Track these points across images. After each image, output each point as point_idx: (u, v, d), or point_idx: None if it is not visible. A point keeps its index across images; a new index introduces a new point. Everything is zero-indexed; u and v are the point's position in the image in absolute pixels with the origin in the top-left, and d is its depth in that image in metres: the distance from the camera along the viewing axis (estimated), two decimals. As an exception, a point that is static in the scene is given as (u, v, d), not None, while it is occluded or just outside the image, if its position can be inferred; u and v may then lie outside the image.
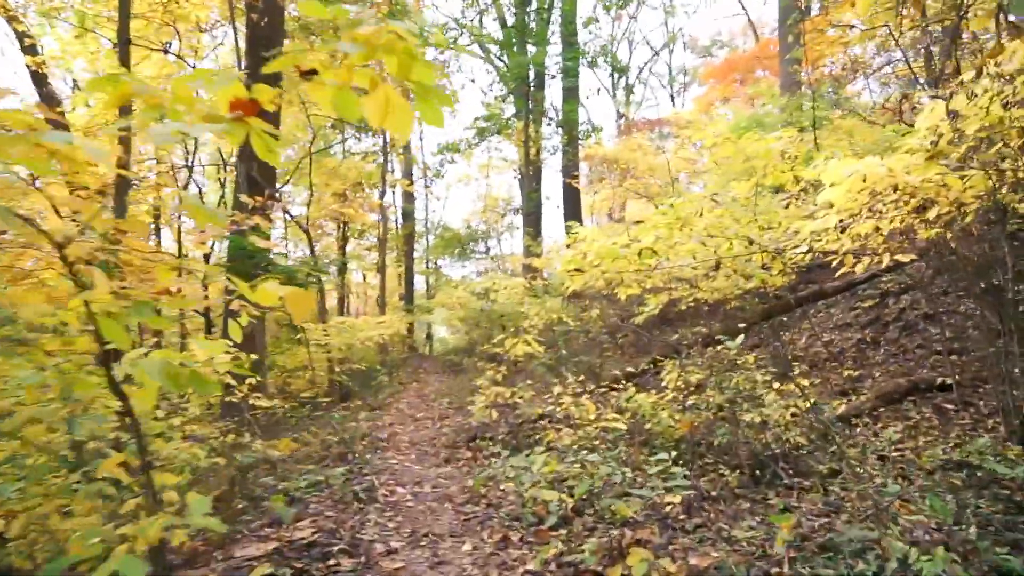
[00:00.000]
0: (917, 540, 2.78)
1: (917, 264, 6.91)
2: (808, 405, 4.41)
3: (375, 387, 13.10)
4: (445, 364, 17.10)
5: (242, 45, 12.34)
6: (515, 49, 20.51)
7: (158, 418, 3.63)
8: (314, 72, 1.28)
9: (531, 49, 20.30)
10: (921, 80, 12.17)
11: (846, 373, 6.59)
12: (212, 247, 14.39)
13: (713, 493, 3.95)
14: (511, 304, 13.82)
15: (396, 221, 24.37)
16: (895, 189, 4.36)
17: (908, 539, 2.80)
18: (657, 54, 33.10)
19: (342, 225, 20.84)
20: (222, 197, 17.89)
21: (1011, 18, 5.22)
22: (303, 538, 3.67)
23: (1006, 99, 3.66)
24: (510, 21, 21.13)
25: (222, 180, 17.96)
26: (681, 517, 3.60)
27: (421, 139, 25.63)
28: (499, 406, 7.03)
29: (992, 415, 4.69)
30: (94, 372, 1.79)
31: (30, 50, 12.46)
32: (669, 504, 3.42)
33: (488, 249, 28.46)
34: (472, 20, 21.56)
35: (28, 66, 12.11)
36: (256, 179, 10.76)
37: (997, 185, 4.09)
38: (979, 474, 3.60)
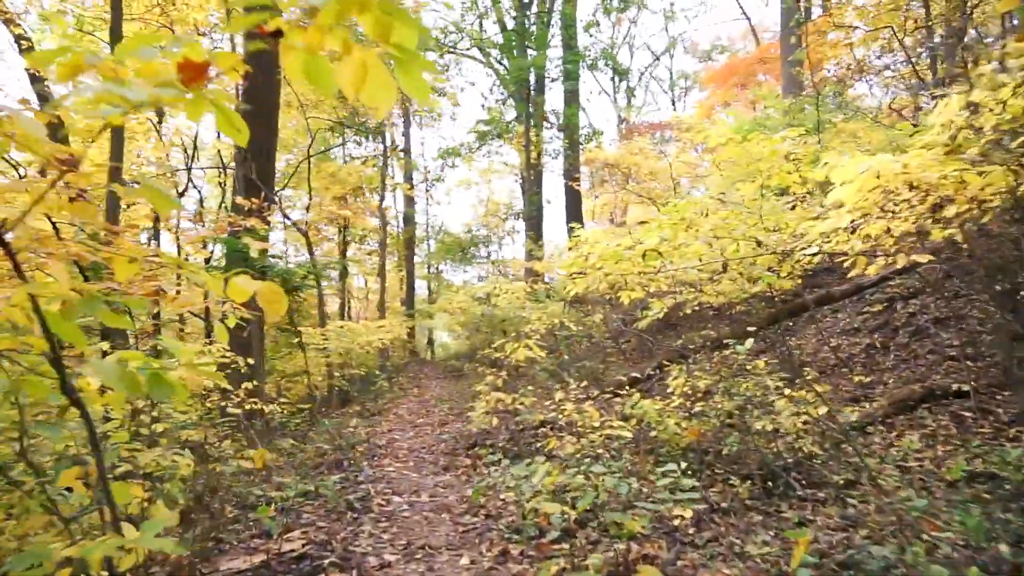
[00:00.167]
0: (946, 558, 2.60)
1: (928, 266, 6.74)
2: (821, 412, 4.23)
3: (375, 392, 12.92)
4: (446, 369, 16.93)
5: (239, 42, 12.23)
6: (515, 53, 20.42)
7: (142, 423, 3.47)
8: (279, 33, 1.11)
9: (531, 53, 20.20)
10: (926, 81, 12.03)
11: (856, 379, 6.40)
12: (212, 251, 14.22)
13: (723, 505, 3.77)
14: (512, 308, 13.67)
15: (397, 226, 24.26)
16: (910, 187, 4.19)
17: (936, 557, 2.62)
18: (658, 58, 33.04)
19: (343, 229, 20.72)
20: (222, 201, 17.76)
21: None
22: (293, 550, 3.49)
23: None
24: (510, 25, 21.03)
25: (222, 184, 17.84)
26: (690, 531, 3.42)
27: (423, 144, 25.58)
28: (499, 412, 6.85)
29: (1013, 423, 4.50)
30: (48, 374, 1.62)
31: (28, 52, 12.35)
32: (678, 517, 3.24)
33: (489, 254, 28.34)
34: (472, 24, 21.47)
35: (26, 69, 11.99)
36: (254, 182, 10.63)
37: (1018, 181, 3.92)
38: (1007, 486, 3.41)
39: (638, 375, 7.05)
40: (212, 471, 3.14)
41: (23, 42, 12.25)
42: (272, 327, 13.51)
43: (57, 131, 12.72)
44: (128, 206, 15.80)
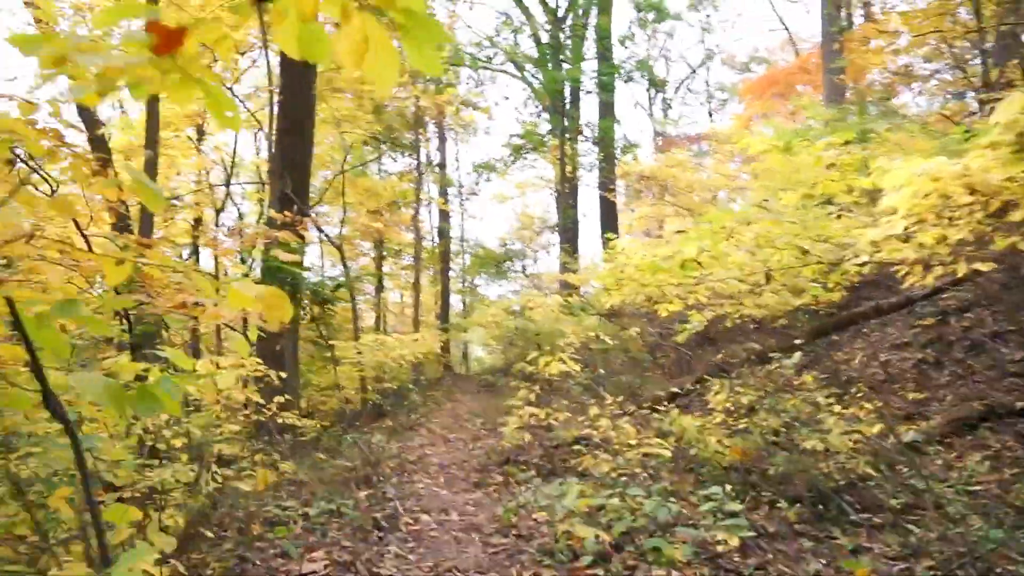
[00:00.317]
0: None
1: (985, 277, 6.38)
2: (874, 430, 3.95)
3: (408, 406, 12.82)
4: (481, 383, 16.79)
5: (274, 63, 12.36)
6: (549, 66, 20.35)
7: (163, 437, 3.37)
8: (269, -3, 0.98)
9: (566, 66, 20.11)
10: (977, 88, 11.56)
11: (910, 396, 6.06)
12: (251, 265, 14.33)
13: (771, 529, 3.52)
14: (547, 322, 13.48)
15: (432, 240, 24.30)
16: (971, 191, 3.93)
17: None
18: (694, 71, 32.66)
19: (379, 244, 20.80)
20: (260, 217, 17.98)
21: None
22: (314, 572, 3.36)
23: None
24: (544, 39, 20.99)
25: (262, 201, 18.07)
26: (735, 557, 3.19)
27: (457, 158, 25.65)
28: (533, 428, 6.67)
29: (1086, 444, 4.17)
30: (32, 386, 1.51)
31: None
32: (722, 543, 3.01)
33: (524, 267, 28.19)
34: (506, 39, 21.49)
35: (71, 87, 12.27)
36: (289, 196, 10.68)
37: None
38: (1089, 515, 3.11)
39: (677, 390, 6.80)
40: (218, 491, 3.01)
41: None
42: (305, 341, 13.54)
43: (102, 149, 13.02)
44: (166, 222, 16.09)
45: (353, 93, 15.59)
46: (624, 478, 4.51)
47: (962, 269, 4.26)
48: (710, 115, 32.79)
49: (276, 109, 12.39)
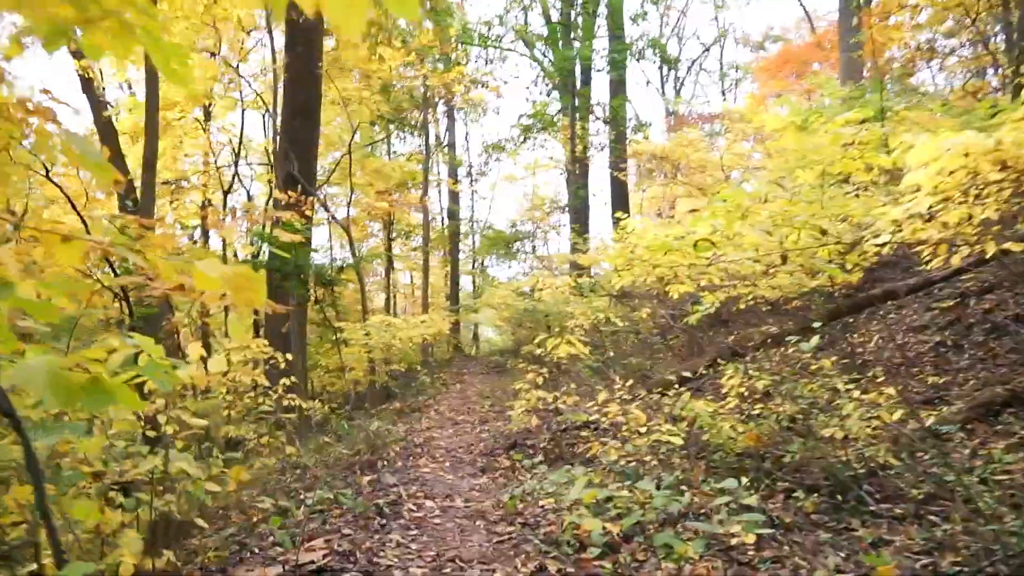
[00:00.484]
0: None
1: (1009, 259, 6.15)
2: (895, 416, 3.79)
3: (416, 388, 12.75)
4: (490, 365, 16.69)
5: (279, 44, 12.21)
6: (560, 44, 20.00)
7: (155, 429, 3.27)
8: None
9: (576, 45, 19.75)
10: (1002, 64, 11.20)
11: (929, 380, 5.87)
12: (260, 247, 14.19)
13: (786, 520, 3.38)
14: (556, 303, 13.34)
15: (442, 221, 24.13)
16: (1003, 167, 3.73)
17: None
18: (707, 49, 32.08)
19: (388, 225, 20.68)
20: (269, 198, 17.88)
21: None
22: (312, 561, 3.25)
23: None
24: (554, 16, 20.61)
25: (271, 182, 17.96)
26: (749, 550, 3.05)
27: (466, 138, 25.40)
28: (540, 411, 6.54)
29: (1119, 432, 3.98)
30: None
31: (77, 54, 12.48)
32: (736, 537, 2.88)
33: (534, 248, 27.99)
34: (516, 17, 21.12)
35: (77, 71, 12.13)
36: (296, 177, 10.55)
37: None
38: None
39: (688, 373, 6.64)
40: (184, 491, 2.87)
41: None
42: (314, 323, 13.46)
43: (109, 133, 12.91)
44: (174, 205, 16.00)
45: (360, 73, 15.38)
46: (633, 464, 4.38)
47: (990, 249, 4.07)
48: (723, 94, 32.25)
49: (281, 90, 12.23)
